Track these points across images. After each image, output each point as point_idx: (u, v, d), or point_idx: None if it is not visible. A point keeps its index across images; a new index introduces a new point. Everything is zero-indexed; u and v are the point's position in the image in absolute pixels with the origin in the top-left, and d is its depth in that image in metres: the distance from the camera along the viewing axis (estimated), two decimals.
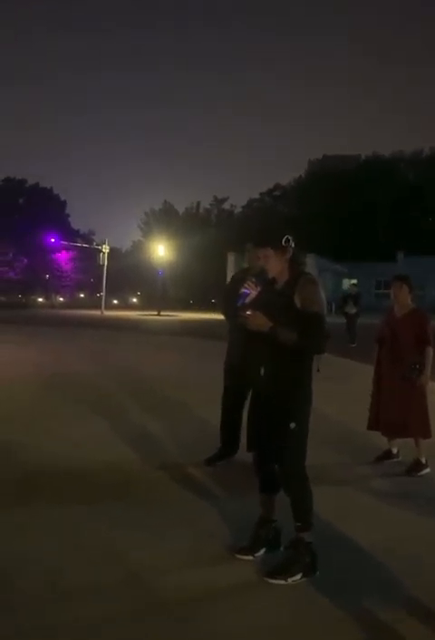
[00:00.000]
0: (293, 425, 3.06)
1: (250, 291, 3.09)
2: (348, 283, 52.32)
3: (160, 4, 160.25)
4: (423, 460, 5.01)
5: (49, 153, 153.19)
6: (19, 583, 3.02)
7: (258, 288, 3.10)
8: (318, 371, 3.16)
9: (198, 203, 73.80)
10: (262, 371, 3.13)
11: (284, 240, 3.10)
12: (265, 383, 3.15)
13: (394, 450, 5.30)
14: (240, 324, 3.08)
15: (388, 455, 5.29)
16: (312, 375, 3.16)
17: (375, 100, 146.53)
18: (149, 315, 35.79)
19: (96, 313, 39.08)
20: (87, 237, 64.51)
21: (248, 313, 3.01)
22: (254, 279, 3.12)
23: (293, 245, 3.13)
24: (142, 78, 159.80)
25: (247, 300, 3.09)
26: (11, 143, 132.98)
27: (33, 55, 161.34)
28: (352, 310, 17.47)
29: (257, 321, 3.02)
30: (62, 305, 55.96)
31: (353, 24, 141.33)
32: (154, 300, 42.60)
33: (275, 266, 3.12)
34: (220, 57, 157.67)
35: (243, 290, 3.12)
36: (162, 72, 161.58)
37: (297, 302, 3.02)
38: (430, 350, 4.98)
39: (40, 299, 61.98)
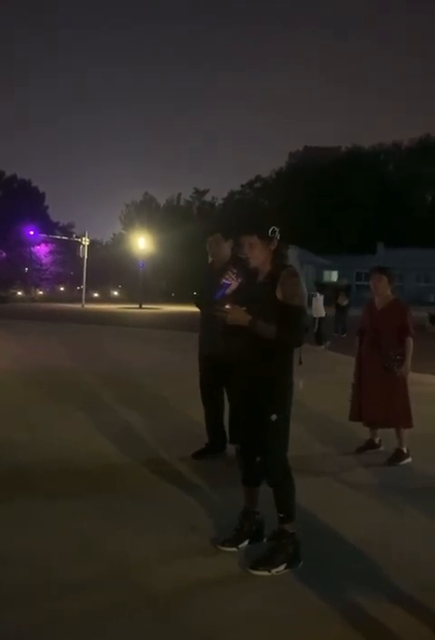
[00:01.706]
0: (274, 417, 3.06)
1: (230, 282, 3.07)
2: (329, 275, 52.99)
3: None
4: (405, 450, 5.06)
5: (27, 145, 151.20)
6: (4, 578, 2.99)
7: (239, 280, 3.08)
8: (300, 363, 3.16)
9: (179, 195, 73.54)
10: (241, 364, 3.12)
11: (270, 231, 3.10)
12: (246, 376, 3.15)
13: (376, 440, 5.34)
14: (219, 317, 3.05)
15: (370, 445, 5.33)
16: (292, 367, 3.16)
17: (356, 92, 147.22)
18: (130, 308, 35.61)
19: (77, 306, 38.80)
20: (67, 230, 63.87)
21: (227, 307, 2.99)
22: (235, 271, 3.10)
23: (278, 236, 3.13)
24: (123, 71, 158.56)
25: (227, 291, 3.07)
26: None
27: (10, 46, 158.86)
28: (343, 302, 18.28)
29: (236, 315, 3.01)
30: (42, 299, 55.32)
31: (335, 15, 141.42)
32: (135, 293, 42.38)
33: (259, 255, 3.11)
34: (201, 49, 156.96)
35: (223, 281, 3.10)
36: (143, 65, 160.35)
37: (278, 294, 3.02)
38: (410, 340, 5.01)
39: (19, 293, 61.18)
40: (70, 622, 2.63)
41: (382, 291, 5.13)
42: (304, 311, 3.03)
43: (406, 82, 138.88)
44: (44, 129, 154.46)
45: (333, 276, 51.88)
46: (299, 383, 3.28)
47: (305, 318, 3.04)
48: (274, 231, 3.11)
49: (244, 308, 3.00)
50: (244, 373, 3.17)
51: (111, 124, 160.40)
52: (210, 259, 4.94)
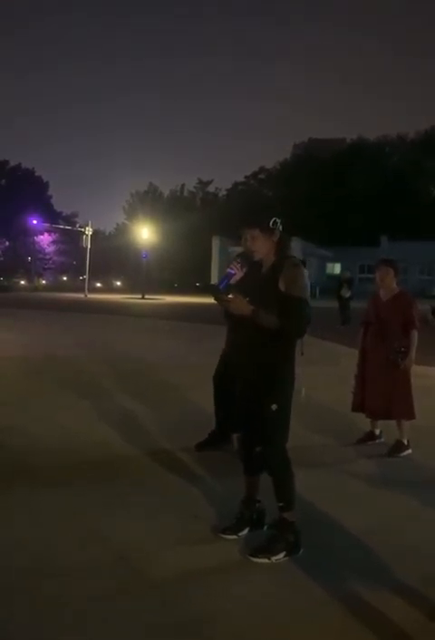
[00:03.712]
0: (274, 407, 3.07)
1: (235, 271, 3.08)
2: (332, 267, 52.89)
3: None
4: (405, 442, 5.07)
5: (32, 134, 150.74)
6: (7, 566, 3.01)
7: (244, 270, 3.09)
8: (302, 354, 3.17)
9: (183, 185, 73.44)
10: (243, 353, 3.14)
11: (271, 222, 3.09)
12: (248, 366, 3.16)
13: (377, 432, 5.35)
14: (222, 307, 3.06)
15: (370, 437, 5.35)
16: (294, 358, 3.17)
17: (361, 84, 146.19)
18: (133, 299, 35.62)
19: (80, 296, 38.81)
20: (70, 220, 63.86)
21: (230, 296, 2.99)
22: (240, 260, 3.10)
23: (281, 228, 3.13)
24: (127, 62, 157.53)
25: (232, 281, 3.08)
26: None
27: (16, 40, 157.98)
28: (346, 294, 18.53)
29: (238, 305, 3.01)
30: (45, 288, 55.41)
31: (339, 7, 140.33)
32: (138, 283, 42.38)
33: (262, 247, 3.11)
34: (206, 41, 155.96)
35: (228, 270, 3.10)
36: (148, 57, 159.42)
37: (281, 285, 3.02)
38: (415, 333, 5.02)
39: (22, 282, 61.28)
40: (69, 608, 2.66)
41: (388, 283, 5.13)
42: (305, 301, 3.02)
43: (411, 75, 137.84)
44: (49, 117, 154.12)
45: (337, 268, 51.75)
46: (301, 391, 3.30)
47: (308, 309, 3.04)
48: (275, 223, 3.10)
49: (247, 299, 3.00)
50: (245, 362, 3.18)
51: (116, 114, 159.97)
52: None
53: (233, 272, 3.09)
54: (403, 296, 5.14)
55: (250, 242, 3.10)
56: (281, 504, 3.18)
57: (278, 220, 3.11)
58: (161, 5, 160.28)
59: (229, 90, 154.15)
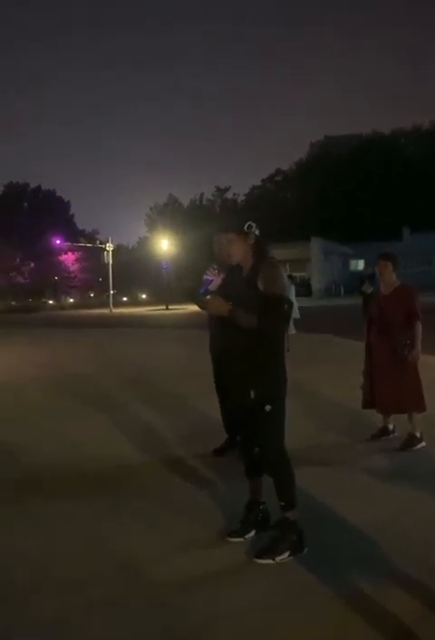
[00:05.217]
0: (268, 408, 3.11)
1: (212, 278, 3.15)
2: (356, 264, 52.33)
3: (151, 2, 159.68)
4: (418, 435, 5.03)
5: (50, 154, 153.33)
6: (5, 578, 3.09)
7: (221, 276, 3.15)
8: (288, 350, 3.21)
9: (202, 194, 73.76)
10: (230, 358, 3.19)
11: (246, 226, 3.17)
12: (236, 369, 3.20)
13: (390, 427, 5.33)
14: (201, 309, 3.13)
15: (384, 432, 5.32)
16: (284, 356, 3.20)
17: (373, 77, 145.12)
18: (157, 310, 35.90)
19: (105, 311, 39.30)
20: (92, 237, 64.68)
21: (208, 297, 3.06)
22: (215, 266, 3.17)
23: (257, 232, 3.19)
24: (140, 74, 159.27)
25: (210, 287, 3.15)
26: (10, 147, 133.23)
27: (32, 56, 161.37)
28: (368, 289, 18.21)
29: (215, 304, 3.08)
30: (72, 306, 56.20)
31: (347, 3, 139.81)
32: (162, 295, 42.70)
33: (238, 250, 3.19)
34: (217, 45, 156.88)
35: (205, 277, 3.18)
36: (160, 66, 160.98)
37: (260, 285, 3.08)
38: (419, 325, 4.99)
39: (50, 301, 62.27)
40: (78, 614, 2.72)
41: (388, 277, 5.13)
42: (283, 299, 3.07)
43: (422, 65, 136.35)
44: (70, 140, 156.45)
45: (360, 265, 51.21)
46: (286, 348, 3.26)
47: (287, 307, 3.08)
48: (250, 226, 3.18)
49: (230, 303, 3.06)
50: (234, 366, 3.23)
51: (131, 126, 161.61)
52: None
53: (210, 279, 3.17)
54: (404, 289, 5.11)
55: (227, 246, 3.19)
56: (282, 503, 3.21)
57: (253, 224, 3.18)
58: (172, 18, 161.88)
59: (242, 94, 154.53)
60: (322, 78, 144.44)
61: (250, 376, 3.13)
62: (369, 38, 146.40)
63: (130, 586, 2.95)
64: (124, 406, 7.32)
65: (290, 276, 19.82)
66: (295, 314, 14.89)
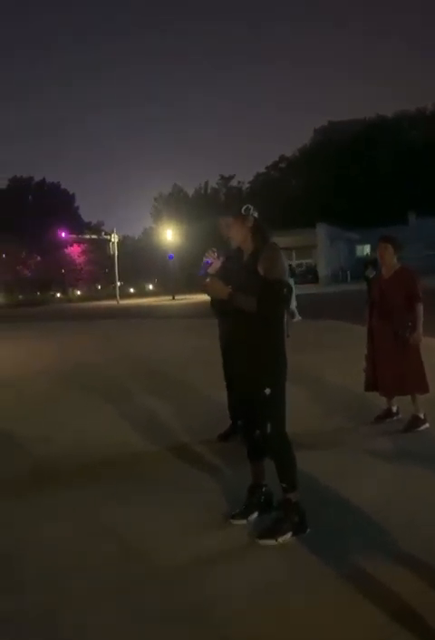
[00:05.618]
0: (268, 391, 3.14)
1: (211, 260, 3.18)
2: (362, 249, 52.05)
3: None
4: (421, 416, 5.05)
5: (54, 147, 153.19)
6: (19, 566, 3.17)
7: (220, 259, 3.18)
8: (288, 336, 3.24)
9: (206, 183, 73.59)
10: (232, 341, 3.23)
11: (243, 209, 3.19)
12: (238, 353, 3.24)
13: (394, 409, 5.35)
14: (201, 291, 3.16)
15: (388, 414, 5.34)
16: (284, 341, 3.23)
17: (375, 61, 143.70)
18: (163, 301, 35.96)
19: (112, 303, 39.40)
20: (98, 229, 64.70)
21: (207, 280, 3.10)
22: (215, 249, 3.21)
23: (255, 215, 3.21)
24: (144, 66, 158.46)
25: (209, 270, 3.18)
26: (14, 141, 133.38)
27: (35, 49, 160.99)
28: (371, 274, 18.41)
29: (215, 287, 3.11)
30: (79, 299, 56.37)
31: None
32: (168, 285, 42.75)
33: (237, 234, 3.22)
34: (220, 34, 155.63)
35: (204, 260, 3.22)
36: (163, 57, 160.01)
37: (260, 269, 3.10)
38: (420, 306, 4.99)
39: (57, 294, 62.49)
40: (87, 598, 2.78)
41: (388, 260, 5.13)
42: (282, 283, 3.09)
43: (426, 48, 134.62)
44: (74, 132, 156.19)
45: (366, 250, 50.96)
46: (286, 333, 3.28)
47: (287, 290, 3.10)
48: (247, 209, 3.20)
49: (230, 286, 3.09)
50: (236, 349, 3.27)
51: (136, 117, 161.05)
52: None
53: (209, 261, 3.20)
54: (405, 271, 5.12)
55: (226, 230, 3.23)
56: (284, 485, 3.24)
57: (251, 207, 3.20)
58: (175, 13, 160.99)
59: (245, 82, 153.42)
60: (324, 63, 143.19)
61: (251, 361, 3.17)
62: (370, 23, 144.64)
63: (138, 569, 3.01)
64: (132, 396, 7.38)
65: (290, 267, 19.94)
66: (293, 305, 14.92)
